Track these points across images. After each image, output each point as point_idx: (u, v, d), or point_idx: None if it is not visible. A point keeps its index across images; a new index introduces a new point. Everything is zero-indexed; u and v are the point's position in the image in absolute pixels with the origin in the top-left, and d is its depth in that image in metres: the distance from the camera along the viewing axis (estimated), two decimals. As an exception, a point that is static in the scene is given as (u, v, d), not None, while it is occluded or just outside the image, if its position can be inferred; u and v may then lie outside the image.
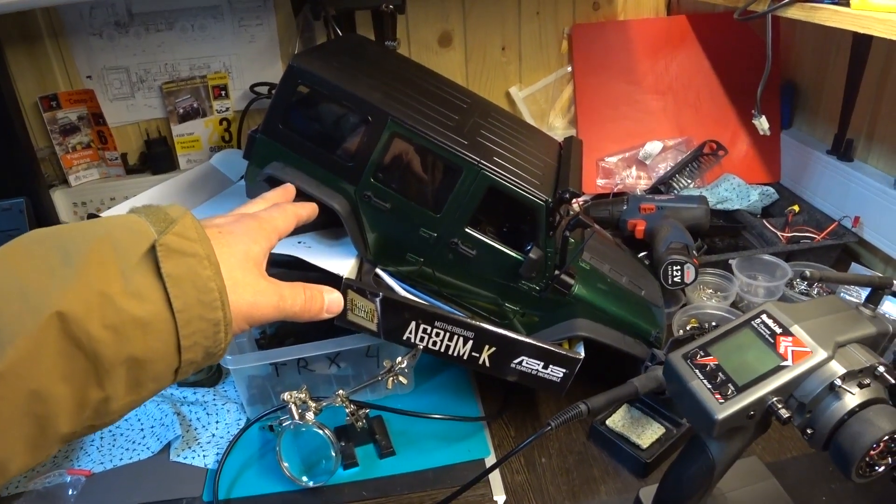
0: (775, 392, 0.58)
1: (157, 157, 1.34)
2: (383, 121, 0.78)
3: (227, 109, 1.35)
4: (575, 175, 0.85)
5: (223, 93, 1.34)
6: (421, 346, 0.79)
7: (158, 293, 0.43)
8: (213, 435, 0.92)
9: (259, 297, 0.52)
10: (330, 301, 0.61)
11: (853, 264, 1.19)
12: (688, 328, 1.04)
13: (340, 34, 1.12)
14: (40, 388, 0.39)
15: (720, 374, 0.61)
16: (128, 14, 1.25)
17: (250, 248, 0.54)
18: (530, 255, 0.81)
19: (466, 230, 0.82)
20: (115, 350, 0.41)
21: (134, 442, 0.92)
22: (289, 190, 0.70)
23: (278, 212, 0.62)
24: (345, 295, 0.78)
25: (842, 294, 1.09)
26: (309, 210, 0.68)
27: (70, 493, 0.84)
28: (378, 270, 0.85)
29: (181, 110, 1.32)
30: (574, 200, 1.37)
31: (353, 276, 0.81)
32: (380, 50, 1.01)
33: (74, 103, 1.29)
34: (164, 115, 1.33)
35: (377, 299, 0.77)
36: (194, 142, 1.35)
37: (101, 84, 1.30)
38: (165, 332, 0.44)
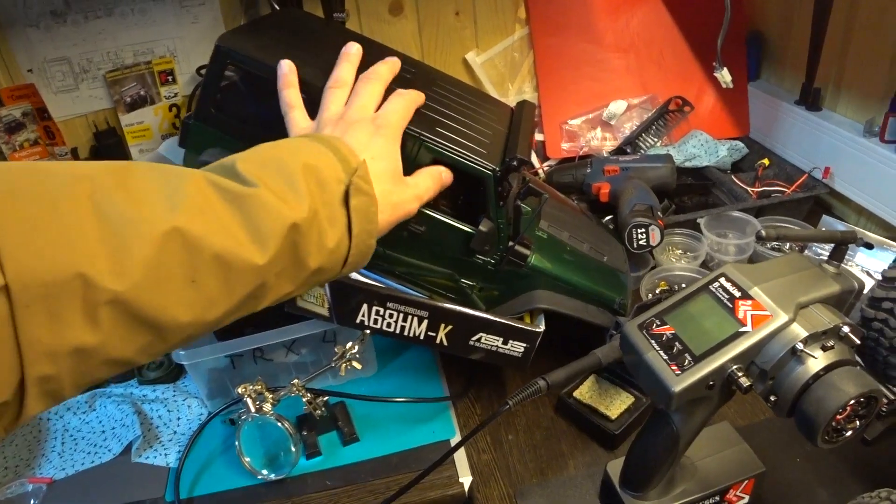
0: (735, 360, 0.55)
1: (108, 150, 1.29)
2: (319, 98, 0.74)
3: (176, 95, 1.30)
4: (524, 141, 0.81)
5: (170, 78, 1.28)
6: (370, 330, 0.76)
7: (343, 220, 0.55)
8: (175, 432, 0.90)
9: (406, 206, 0.64)
10: (445, 173, 0.72)
11: (824, 216, 1.17)
12: (657, 291, 1.02)
13: (278, 8, 1.07)
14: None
15: (676, 343, 0.59)
16: (63, 2, 1.20)
17: (396, 167, 0.64)
18: (480, 227, 0.77)
19: None
20: (311, 261, 0.53)
21: (95, 445, 0.90)
22: (396, 62, 0.77)
23: (402, 107, 0.70)
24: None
25: (814, 249, 1.07)
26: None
27: (32, 502, 0.82)
28: (328, 254, 0.82)
29: (128, 99, 1.27)
30: (540, 166, 1.35)
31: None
32: (320, 24, 0.96)
33: (17, 99, 1.24)
34: (112, 105, 1.28)
35: (326, 283, 0.74)
36: (145, 131, 1.31)
37: (43, 77, 1.24)
38: (343, 253, 0.56)
